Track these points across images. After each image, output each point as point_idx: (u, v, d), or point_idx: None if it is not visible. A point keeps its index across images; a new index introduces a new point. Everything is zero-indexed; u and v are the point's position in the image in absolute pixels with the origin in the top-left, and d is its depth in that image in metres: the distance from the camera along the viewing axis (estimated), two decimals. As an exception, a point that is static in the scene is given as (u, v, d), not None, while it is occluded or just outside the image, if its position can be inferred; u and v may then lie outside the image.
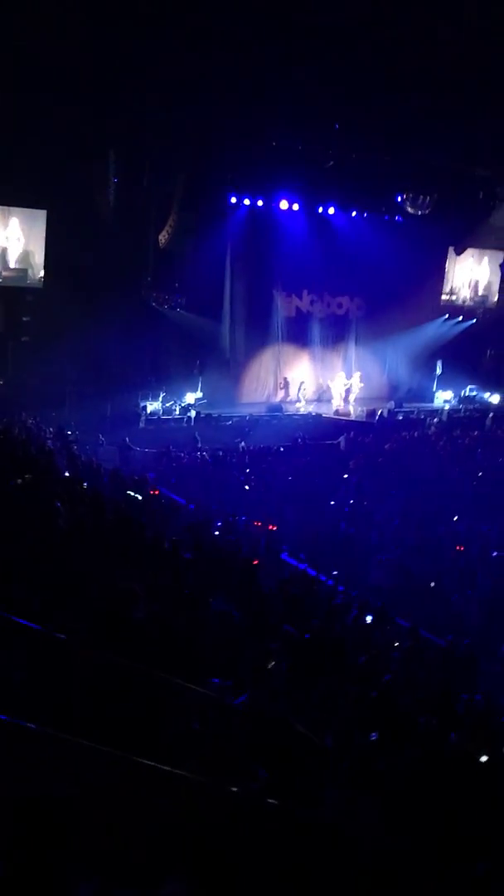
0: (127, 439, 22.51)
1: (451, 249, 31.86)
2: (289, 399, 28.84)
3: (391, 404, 30.11)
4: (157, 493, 18.52)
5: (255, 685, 7.17)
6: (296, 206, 27.28)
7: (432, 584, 15.92)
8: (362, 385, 29.92)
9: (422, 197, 28.28)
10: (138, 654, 6.30)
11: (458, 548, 17.92)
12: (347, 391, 29.62)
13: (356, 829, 5.81)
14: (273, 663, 8.65)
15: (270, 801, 5.29)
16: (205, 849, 4.87)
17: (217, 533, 15.05)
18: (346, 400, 29.48)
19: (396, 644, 11.86)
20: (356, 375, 29.99)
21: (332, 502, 20.12)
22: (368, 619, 12.29)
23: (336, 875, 5.51)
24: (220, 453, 23.00)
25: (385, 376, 31.29)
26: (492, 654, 13.51)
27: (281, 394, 29.01)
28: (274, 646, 9.06)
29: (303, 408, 28.73)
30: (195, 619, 8.54)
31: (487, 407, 31.49)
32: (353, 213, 29.02)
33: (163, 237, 24.36)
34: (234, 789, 5.20)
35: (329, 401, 29.68)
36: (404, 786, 6.52)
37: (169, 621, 7.71)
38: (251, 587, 11.67)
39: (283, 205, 26.98)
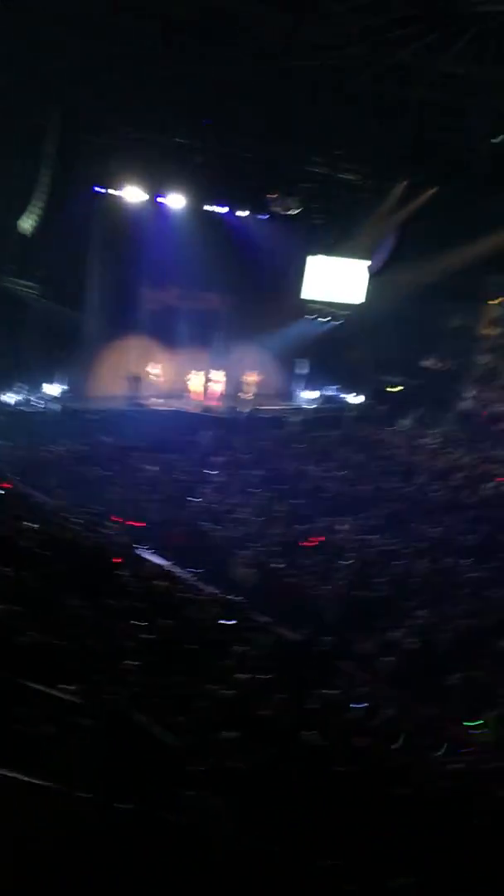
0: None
1: (316, 251, 32.31)
2: (144, 393, 28.46)
3: (256, 402, 30.35)
4: (10, 486, 18.02)
5: (110, 686, 7.02)
6: (163, 200, 27.02)
7: (293, 581, 16.10)
8: (225, 382, 30.04)
9: (289, 198, 28.57)
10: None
11: (313, 541, 18.23)
12: (213, 388, 29.68)
13: (210, 831, 5.76)
14: (128, 662, 8.51)
15: (122, 805, 5.17)
16: (54, 859, 4.71)
17: (77, 529, 14.74)
18: (210, 397, 29.52)
19: (255, 641, 11.90)
20: (220, 373, 30.06)
21: (197, 499, 20.07)
22: (227, 616, 12.30)
23: (190, 878, 5.44)
24: (85, 448, 22.58)
25: (251, 374, 31.43)
26: (347, 650, 13.79)
27: (140, 387, 28.55)
28: (130, 644, 8.93)
29: (160, 403, 28.43)
30: (46, 619, 8.30)
31: (348, 406, 32.24)
32: (223, 210, 29.02)
33: (26, 224, 23.59)
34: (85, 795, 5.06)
35: (187, 397, 29.55)
36: (260, 785, 6.53)
37: (16, 621, 7.45)
38: (112, 585, 11.48)
39: (151, 197, 26.67)
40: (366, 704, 10.42)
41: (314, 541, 18.19)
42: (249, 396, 30.57)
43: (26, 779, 4.92)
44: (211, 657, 9.90)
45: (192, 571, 15.94)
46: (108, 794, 5.14)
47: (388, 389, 33.90)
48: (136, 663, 8.41)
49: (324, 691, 10.10)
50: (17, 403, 25.03)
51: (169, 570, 14.96)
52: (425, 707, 12.39)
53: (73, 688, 6.64)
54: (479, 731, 11.15)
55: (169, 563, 15.72)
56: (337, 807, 6.61)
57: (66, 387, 26.09)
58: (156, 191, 26.54)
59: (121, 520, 18.33)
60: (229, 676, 8.97)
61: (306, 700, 9.68)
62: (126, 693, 7.08)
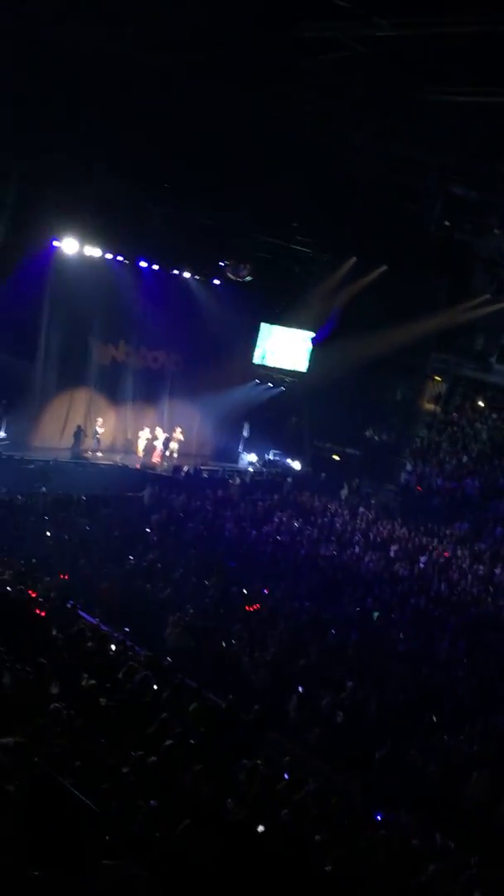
0: None
1: (266, 318, 32.84)
2: (88, 446, 28.33)
3: (197, 461, 30.41)
4: None
5: (33, 742, 6.86)
6: (119, 258, 27.27)
7: (223, 645, 16.00)
8: (181, 439, 30.12)
9: (242, 265, 29.11)
10: None
11: (247, 608, 18.17)
12: (165, 443, 29.70)
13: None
14: (55, 718, 8.33)
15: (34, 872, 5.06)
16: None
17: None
18: (153, 453, 29.46)
19: (182, 706, 11.75)
20: (177, 430, 30.17)
21: (131, 557, 19.88)
22: (155, 679, 12.12)
23: None
24: (19, 498, 22.22)
25: (194, 433, 31.57)
26: (276, 719, 13.68)
27: (83, 440, 28.37)
28: (60, 703, 8.75)
29: (103, 457, 28.29)
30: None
31: (288, 472, 32.51)
32: (176, 271, 29.43)
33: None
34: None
35: (131, 453, 29.50)
36: (180, 855, 6.42)
37: None
38: (39, 640, 11.27)
39: (106, 254, 26.92)
40: (289, 777, 10.32)
41: (249, 608, 18.12)
42: (191, 455, 30.62)
43: None
44: (137, 721, 9.74)
45: (121, 630, 15.70)
46: (29, 859, 5.02)
47: (332, 457, 34.31)
48: (60, 724, 8.25)
49: (248, 761, 9.98)
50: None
51: (97, 628, 14.71)
52: (349, 782, 12.34)
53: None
54: None
55: (98, 620, 15.46)
56: (258, 881, 6.53)
57: (3, 434, 25.78)
58: (112, 248, 26.78)
59: (57, 573, 18.03)
60: (154, 742, 8.83)
61: (231, 769, 9.57)
62: (50, 755, 6.93)
